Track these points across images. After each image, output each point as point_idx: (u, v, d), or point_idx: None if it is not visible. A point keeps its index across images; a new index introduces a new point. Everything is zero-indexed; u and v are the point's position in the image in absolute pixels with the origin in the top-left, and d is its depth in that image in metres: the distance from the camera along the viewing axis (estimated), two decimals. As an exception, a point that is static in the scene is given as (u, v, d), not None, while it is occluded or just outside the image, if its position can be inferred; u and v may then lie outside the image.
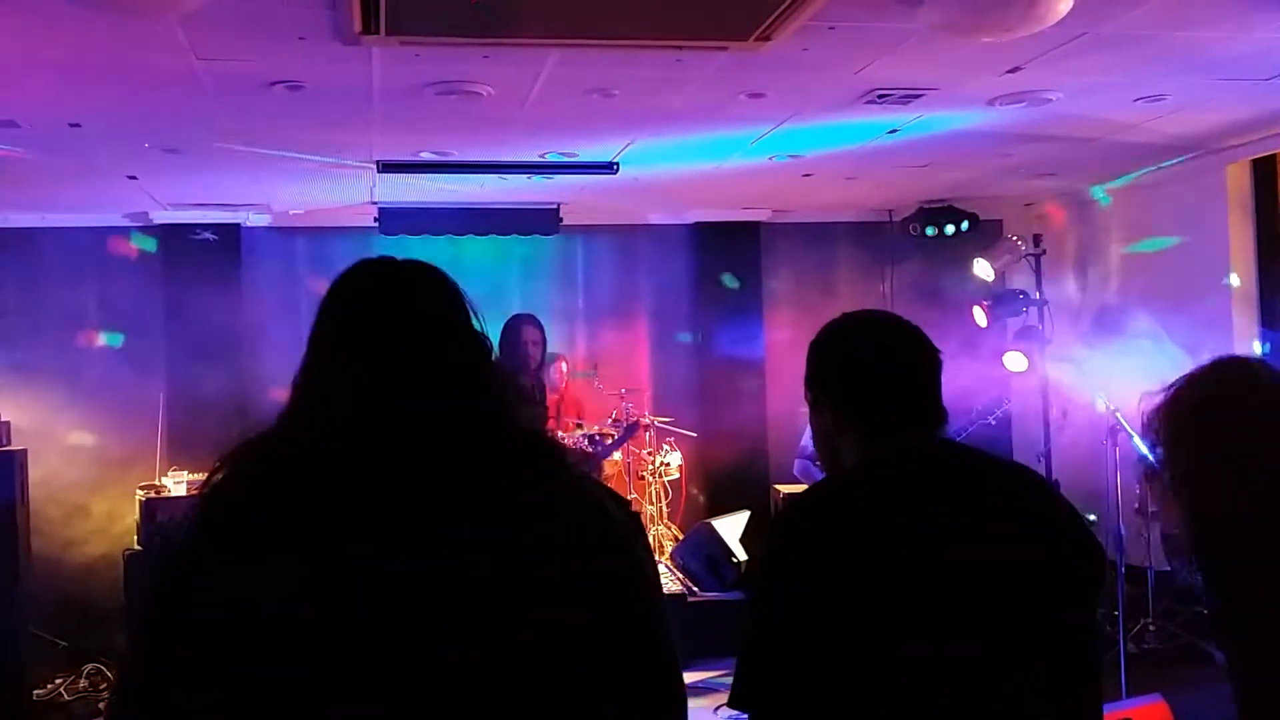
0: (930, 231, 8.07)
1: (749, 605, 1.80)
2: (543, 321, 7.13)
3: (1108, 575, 2.03)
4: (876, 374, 1.93)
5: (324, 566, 1.38)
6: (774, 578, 1.80)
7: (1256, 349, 6.55)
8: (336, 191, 7.11)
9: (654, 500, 8.00)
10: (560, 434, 7.52)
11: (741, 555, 7.42)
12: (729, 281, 8.57)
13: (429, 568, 1.38)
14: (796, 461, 7.41)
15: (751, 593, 1.82)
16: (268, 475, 1.45)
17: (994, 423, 6.92)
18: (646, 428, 7.69)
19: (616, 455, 7.50)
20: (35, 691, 6.61)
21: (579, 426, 7.63)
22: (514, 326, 6.90)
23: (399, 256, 1.58)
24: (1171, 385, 2.27)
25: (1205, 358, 2.28)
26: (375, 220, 7.69)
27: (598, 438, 7.71)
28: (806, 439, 7.38)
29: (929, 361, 1.94)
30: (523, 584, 1.41)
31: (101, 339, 7.82)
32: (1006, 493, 1.89)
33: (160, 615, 1.43)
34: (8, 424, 6.64)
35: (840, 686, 1.69)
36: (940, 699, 1.70)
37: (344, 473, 1.42)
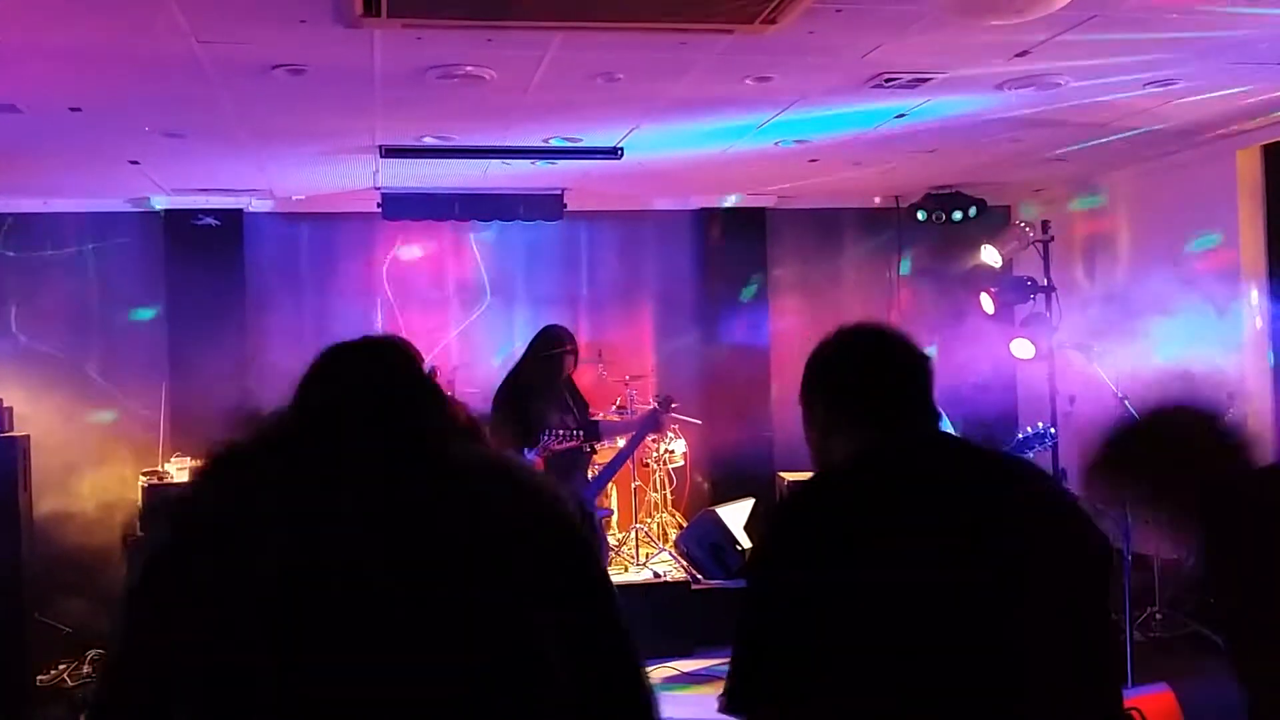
0: (938, 218, 8.01)
1: (741, 603, 1.80)
2: (547, 309, 7.05)
3: (1114, 563, 2.01)
4: (866, 371, 1.97)
5: (298, 555, 1.48)
6: (767, 575, 1.80)
7: (1265, 334, 6.52)
8: (339, 176, 7.08)
9: (658, 487, 7.98)
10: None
11: (746, 543, 7.39)
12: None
13: (397, 554, 1.49)
14: None
15: (744, 590, 1.83)
16: (245, 473, 1.59)
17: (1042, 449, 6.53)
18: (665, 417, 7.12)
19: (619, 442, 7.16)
20: (38, 677, 6.62)
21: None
22: (553, 336, 6.37)
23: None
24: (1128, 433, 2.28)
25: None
26: (378, 205, 7.64)
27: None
28: None
29: (918, 363, 1.99)
30: (477, 570, 1.51)
31: (103, 325, 7.80)
32: (1005, 483, 1.89)
33: (144, 609, 1.53)
34: (10, 410, 6.63)
35: (838, 684, 1.66)
36: (947, 694, 1.67)
37: (319, 467, 1.56)
